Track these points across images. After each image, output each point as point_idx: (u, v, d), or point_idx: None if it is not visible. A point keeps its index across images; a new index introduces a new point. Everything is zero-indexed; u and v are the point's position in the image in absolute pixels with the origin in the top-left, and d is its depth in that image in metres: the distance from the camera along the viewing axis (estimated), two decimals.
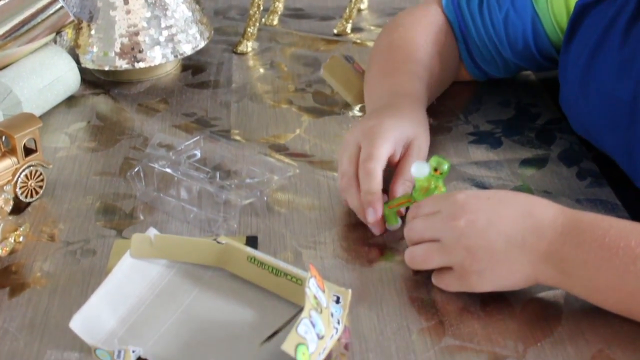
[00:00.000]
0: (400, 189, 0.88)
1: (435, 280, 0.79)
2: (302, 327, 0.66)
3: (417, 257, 0.79)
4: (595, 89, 0.92)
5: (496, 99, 1.12)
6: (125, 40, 1.13)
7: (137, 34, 1.13)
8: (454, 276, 0.77)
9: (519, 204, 0.76)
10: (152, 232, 0.81)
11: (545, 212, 0.75)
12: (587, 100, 0.94)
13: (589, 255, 0.72)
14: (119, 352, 0.71)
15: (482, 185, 0.94)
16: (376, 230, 0.87)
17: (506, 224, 0.75)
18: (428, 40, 1.04)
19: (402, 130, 0.90)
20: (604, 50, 0.92)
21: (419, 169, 0.83)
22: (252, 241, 0.85)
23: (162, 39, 1.14)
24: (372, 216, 0.84)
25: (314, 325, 0.67)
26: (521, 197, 0.78)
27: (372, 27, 1.34)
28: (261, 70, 1.22)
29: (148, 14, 1.14)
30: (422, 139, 0.92)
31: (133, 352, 0.71)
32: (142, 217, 0.90)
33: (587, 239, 0.73)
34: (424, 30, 1.05)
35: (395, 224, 0.87)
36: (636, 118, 0.86)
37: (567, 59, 0.98)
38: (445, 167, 0.82)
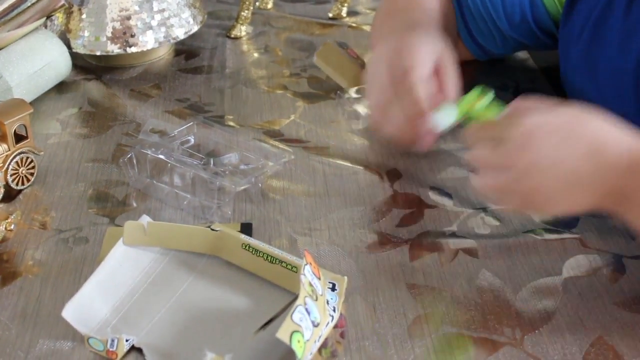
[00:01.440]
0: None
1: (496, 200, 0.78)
2: (298, 314, 0.66)
3: (486, 187, 0.75)
4: (601, 62, 0.91)
5: (494, 83, 1.11)
6: (117, 24, 1.13)
7: (128, 18, 1.13)
8: (518, 201, 0.74)
9: (586, 141, 0.72)
10: (145, 219, 0.80)
11: (613, 149, 0.71)
12: (592, 74, 0.93)
13: None
14: (112, 340, 0.71)
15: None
16: (427, 143, 0.86)
17: (571, 163, 0.71)
18: None
19: (432, 43, 0.87)
20: (608, 22, 0.91)
21: (444, 116, 0.81)
22: (246, 228, 0.85)
23: (154, 23, 1.14)
24: (425, 125, 0.82)
25: (309, 313, 0.67)
26: (589, 131, 0.73)
27: (368, 11, 1.33)
28: (255, 54, 1.21)
29: None
30: (451, 55, 0.89)
31: (127, 340, 0.71)
32: (135, 205, 0.90)
33: None
34: None
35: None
36: None
37: (567, 33, 0.97)
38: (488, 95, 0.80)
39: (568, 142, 0.71)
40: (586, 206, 0.73)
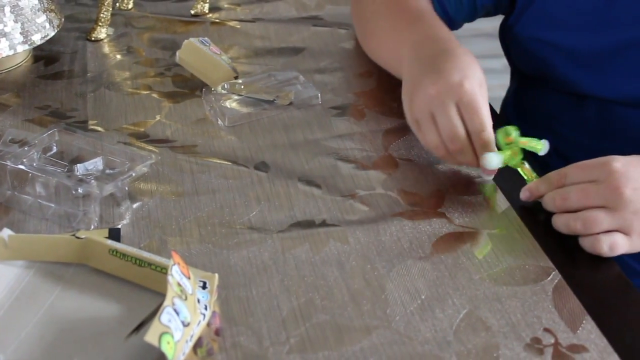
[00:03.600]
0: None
1: (601, 244, 0.82)
2: (166, 315, 0.65)
3: (585, 221, 0.82)
4: None
5: (357, 69, 1.14)
6: None
7: None
8: (623, 238, 0.81)
9: None
10: (6, 232, 0.78)
11: None
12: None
13: None
14: None
15: (346, 159, 0.96)
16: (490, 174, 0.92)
17: None
18: None
19: (483, 79, 0.91)
20: None
21: (492, 160, 0.88)
22: (114, 233, 0.84)
23: (7, 29, 1.10)
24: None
25: (178, 313, 0.67)
26: None
27: (231, 6, 1.33)
28: (118, 56, 1.20)
29: None
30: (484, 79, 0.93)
31: None
32: None
33: None
34: None
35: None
36: None
37: None
38: (513, 134, 0.90)
39: None
40: None
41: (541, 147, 0.91)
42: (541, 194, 0.87)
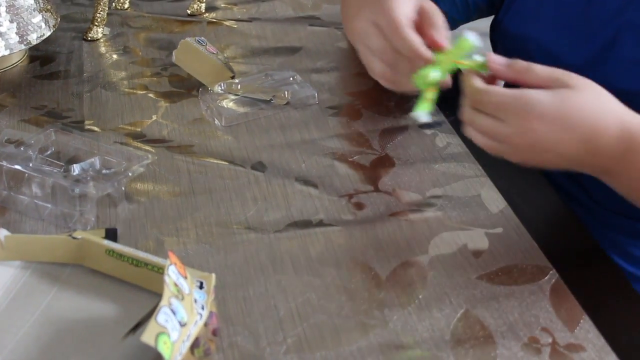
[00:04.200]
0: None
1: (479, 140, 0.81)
2: (162, 315, 0.65)
3: (481, 128, 0.80)
4: None
5: (353, 69, 1.13)
6: None
7: None
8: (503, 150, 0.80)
9: (581, 130, 0.77)
10: (2, 233, 0.78)
11: (604, 137, 0.77)
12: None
13: (636, 175, 0.79)
14: None
15: (342, 158, 0.96)
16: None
17: (565, 148, 0.78)
18: None
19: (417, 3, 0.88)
20: None
21: (471, 38, 0.82)
22: (111, 234, 0.84)
23: (3, 29, 1.10)
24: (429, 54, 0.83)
25: (175, 313, 0.67)
26: (585, 118, 0.78)
27: (228, 6, 1.33)
28: (114, 56, 1.19)
29: None
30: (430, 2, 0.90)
31: None
32: None
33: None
34: None
35: (426, 110, 0.83)
36: None
37: None
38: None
39: (565, 132, 0.77)
40: (576, 170, 0.81)
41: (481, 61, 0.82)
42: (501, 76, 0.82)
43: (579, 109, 0.77)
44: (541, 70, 0.79)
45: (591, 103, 0.78)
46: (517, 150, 0.79)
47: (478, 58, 0.82)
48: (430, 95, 0.83)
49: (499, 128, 0.78)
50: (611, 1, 0.94)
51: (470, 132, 0.82)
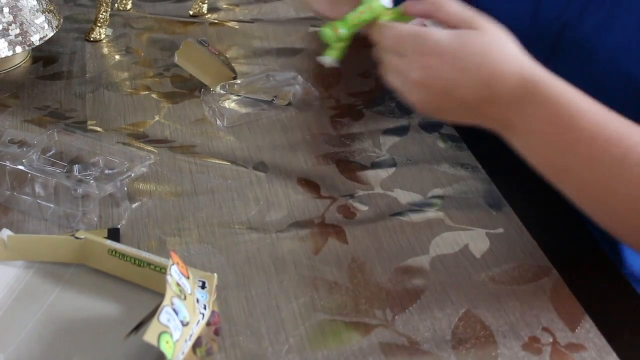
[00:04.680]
0: None
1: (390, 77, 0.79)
2: (165, 315, 0.65)
3: (390, 84, 0.79)
4: None
5: (356, 70, 1.14)
6: None
7: None
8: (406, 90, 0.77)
9: (482, 74, 0.74)
10: (5, 233, 0.78)
11: (504, 82, 0.74)
12: None
13: (533, 127, 0.74)
14: None
15: (344, 159, 0.96)
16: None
17: (465, 92, 0.74)
18: None
19: None
20: None
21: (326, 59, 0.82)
22: (113, 233, 0.84)
23: (6, 30, 1.10)
24: None
25: (177, 313, 0.67)
26: (487, 62, 0.74)
27: (230, 7, 1.33)
28: (117, 57, 1.20)
29: None
30: None
31: None
32: None
33: (539, 114, 0.73)
34: None
35: (335, 57, 0.84)
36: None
37: None
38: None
39: (463, 73, 0.74)
40: (476, 123, 0.77)
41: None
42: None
43: (479, 51, 0.75)
44: (452, 7, 0.77)
45: (493, 47, 0.75)
46: (417, 90, 0.76)
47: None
48: (339, 45, 0.83)
49: (400, 63, 0.76)
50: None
51: (382, 73, 0.79)
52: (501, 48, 0.75)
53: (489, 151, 0.94)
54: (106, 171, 0.90)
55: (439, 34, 0.75)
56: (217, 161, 0.96)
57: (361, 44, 0.84)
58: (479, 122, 0.77)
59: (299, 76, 1.10)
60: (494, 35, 0.75)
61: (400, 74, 0.77)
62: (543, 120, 0.73)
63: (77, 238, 0.78)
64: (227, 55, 1.14)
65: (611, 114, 0.73)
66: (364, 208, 0.89)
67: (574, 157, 0.72)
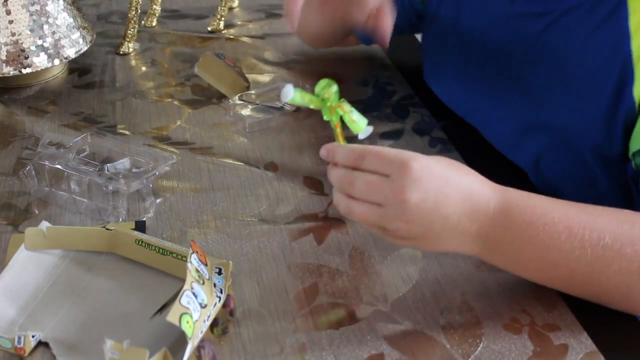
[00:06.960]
0: None
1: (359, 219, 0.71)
2: (185, 298, 0.65)
3: (355, 214, 0.71)
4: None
5: (355, 78, 1.13)
6: (11, 48, 1.09)
7: (21, 41, 1.09)
8: (381, 232, 0.71)
9: (461, 186, 0.69)
10: (44, 225, 0.79)
11: (482, 195, 0.70)
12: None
13: (514, 236, 0.69)
14: (19, 338, 0.69)
15: None
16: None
17: (448, 207, 0.68)
18: None
19: None
20: None
21: (285, 94, 0.77)
22: (140, 225, 0.84)
23: (46, 44, 1.11)
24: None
25: (196, 296, 0.67)
26: (464, 178, 0.71)
27: (243, 23, 1.33)
28: (143, 68, 1.20)
29: (31, 23, 1.10)
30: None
31: (33, 337, 0.70)
32: (36, 212, 0.88)
33: (515, 221, 0.69)
34: None
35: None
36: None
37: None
38: (333, 89, 0.81)
39: (449, 186, 0.69)
40: (454, 249, 0.71)
41: (361, 129, 0.81)
42: (335, 162, 0.73)
43: (458, 173, 0.71)
44: (382, 152, 0.70)
45: (465, 169, 0.72)
46: (395, 218, 0.68)
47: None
48: (339, 130, 0.83)
49: (383, 186, 0.69)
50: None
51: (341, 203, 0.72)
52: (466, 170, 0.72)
53: (475, 153, 0.94)
54: (133, 170, 0.91)
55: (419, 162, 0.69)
56: (232, 161, 0.96)
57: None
58: (465, 242, 0.70)
59: (307, 85, 1.10)
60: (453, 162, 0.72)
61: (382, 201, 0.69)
62: (521, 226, 0.69)
63: (107, 229, 0.79)
64: (242, 67, 1.14)
65: (573, 203, 0.71)
66: None
67: (558, 251, 0.69)
